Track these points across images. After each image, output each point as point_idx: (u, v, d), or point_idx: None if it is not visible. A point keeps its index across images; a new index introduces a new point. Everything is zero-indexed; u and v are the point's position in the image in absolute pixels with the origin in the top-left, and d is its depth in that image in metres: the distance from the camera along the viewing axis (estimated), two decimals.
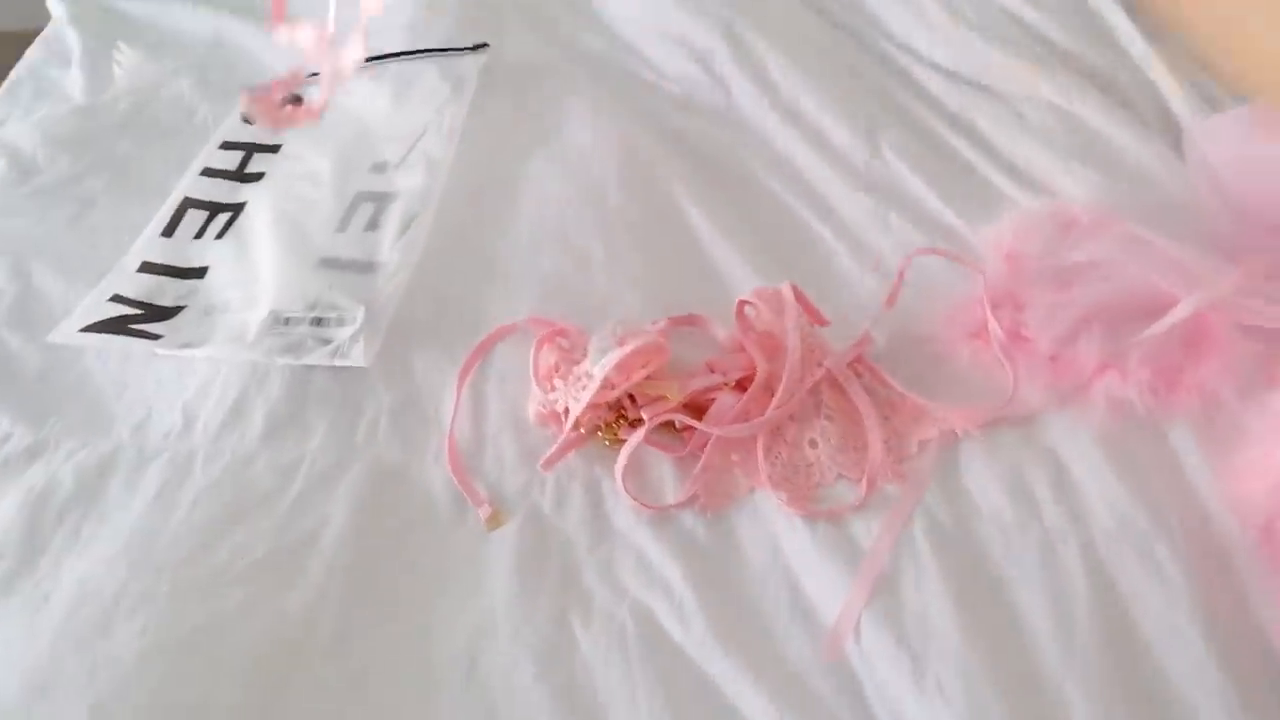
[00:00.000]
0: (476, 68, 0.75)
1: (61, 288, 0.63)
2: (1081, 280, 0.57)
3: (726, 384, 0.55)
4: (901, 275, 0.59)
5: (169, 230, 0.66)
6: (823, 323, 0.58)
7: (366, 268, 0.61)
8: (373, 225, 0.64)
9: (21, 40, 0.84)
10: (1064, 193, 0.65)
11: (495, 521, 0.52)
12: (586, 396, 0.51)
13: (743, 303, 0.57)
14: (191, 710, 0.45)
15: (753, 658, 0.46)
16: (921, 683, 0.45)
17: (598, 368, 0.52)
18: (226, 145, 0.72)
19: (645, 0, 0.83)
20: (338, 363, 0.56)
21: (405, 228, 0.64)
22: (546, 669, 0.47)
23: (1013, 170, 0.69)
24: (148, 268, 0.64)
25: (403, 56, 0.76)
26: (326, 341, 0.56)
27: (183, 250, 0.65)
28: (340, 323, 0.57)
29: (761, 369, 0.54)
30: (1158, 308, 0.55)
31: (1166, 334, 0.54)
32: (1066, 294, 0.57)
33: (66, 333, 0.59)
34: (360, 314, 0.57)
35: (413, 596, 0.50)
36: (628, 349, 0.51)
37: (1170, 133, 0.70)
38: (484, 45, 0.77)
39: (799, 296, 0.57)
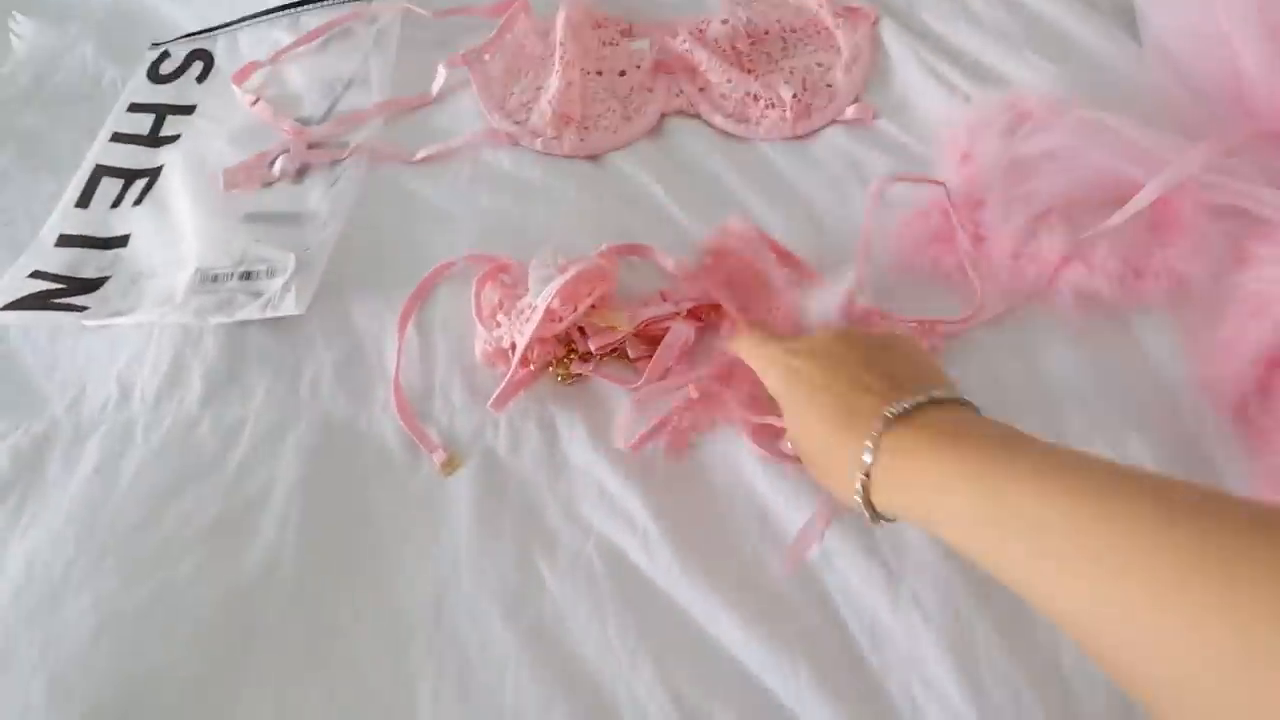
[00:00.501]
0: (398, 14, 0.71)
1: None
2: (1040, 173, 0.55)
3: (679, 313, 0.54)
4: (875, 200, 0.57)
5: (83, 200, 0.63)
6: (808, 275, 0.56)
7: (294, 219, 0.59)
8: (298, 178, 0.62)
9: None
10: (1020, 83, 0.63)
11: (451, 466, 0.51)
12: (530, 329, 0.50)
13: (712, 249, 0.54)
14: (150, 678, 0.44)
15: (721, 582, 0.46)
16: (896, 595, 0.44)
17: (540, 298, 0.50)
18: (135, 108, 0.68)
19: None
20: (269, 314, 0.53)
21: (335, 180, 0.61)
22: (515, 610, 0.46)
23: (964, 64, 0.66)
24: (66, 240, 0.61)
25: (316, 4, 0.72)
26: (257, 295, 0.54)
27: (102, 219, 0.62)
28: (270, 274, 0.55)
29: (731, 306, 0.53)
30: (1121, 194, 0.54)
31: (1132, 220, 0.53)
32: (1025, 188, 0.55)
33: None
34: (291, 262, 0.55)
35: (372, 548, 0.49)
36: (569, 274, 0.50)
37: (1123, 14, 0.68)
38: None
39: (772, 245, 0.54)
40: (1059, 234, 0.54)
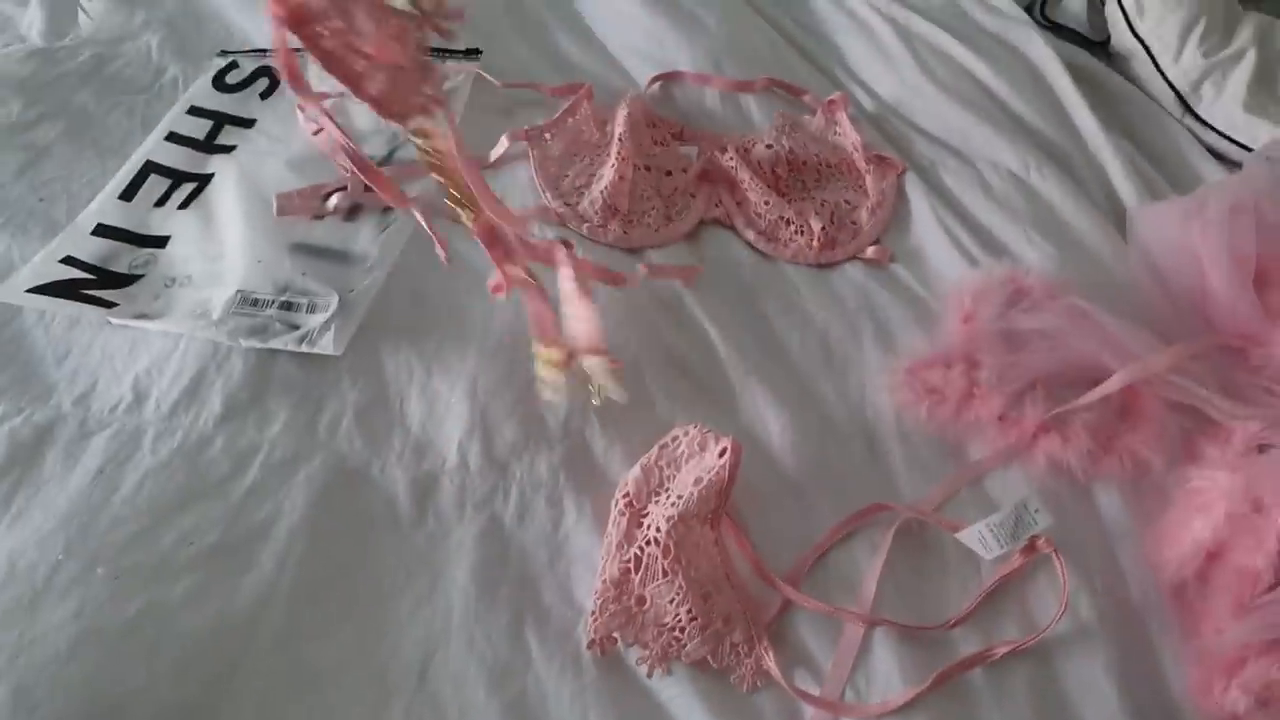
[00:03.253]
0: (470, 76, 0.74)
1: (4, 240, 0.59)
2: (1030, 346, 0.61)
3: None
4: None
5: (128, 194, 0.63)
6: None
7: (342, 258, 0.60)
8: (351, 216, 0.63)
9: None
10: (1021, 257, 0.69)
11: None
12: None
13: None
14: (125, 701, 0.43)
15: (700, 684, 0.48)
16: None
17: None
18: (195, 111, 0.69)
19: (634, 23, 0.84)
20: (305, 349, 0.54)
21: (385, 225, 0.62)
22: (499, 682, 0.47)
23: (975, 228, 0.72)
24: (103, 230, 0.60)
25: None
26: (295, 327, 0.55)
27: (142, 216, 0.62)
28: (312, 309, 0.56)
29: None
30: (1098, 378, 0.60)
31: (1104, 403, 0.59)
32: (1016, 357, 0.60)
33: (11, 291, 0.56)
34: (334, 302, 0.56)
35: (366, 597, 0.49)
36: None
37: (1116, 214, 0.75)
38: (477, 51, 0.76)
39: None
40: (1041, 405, 0.59)
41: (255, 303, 0.56)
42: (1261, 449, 0.58)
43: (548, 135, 0.72)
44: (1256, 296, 0.66)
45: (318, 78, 0.47)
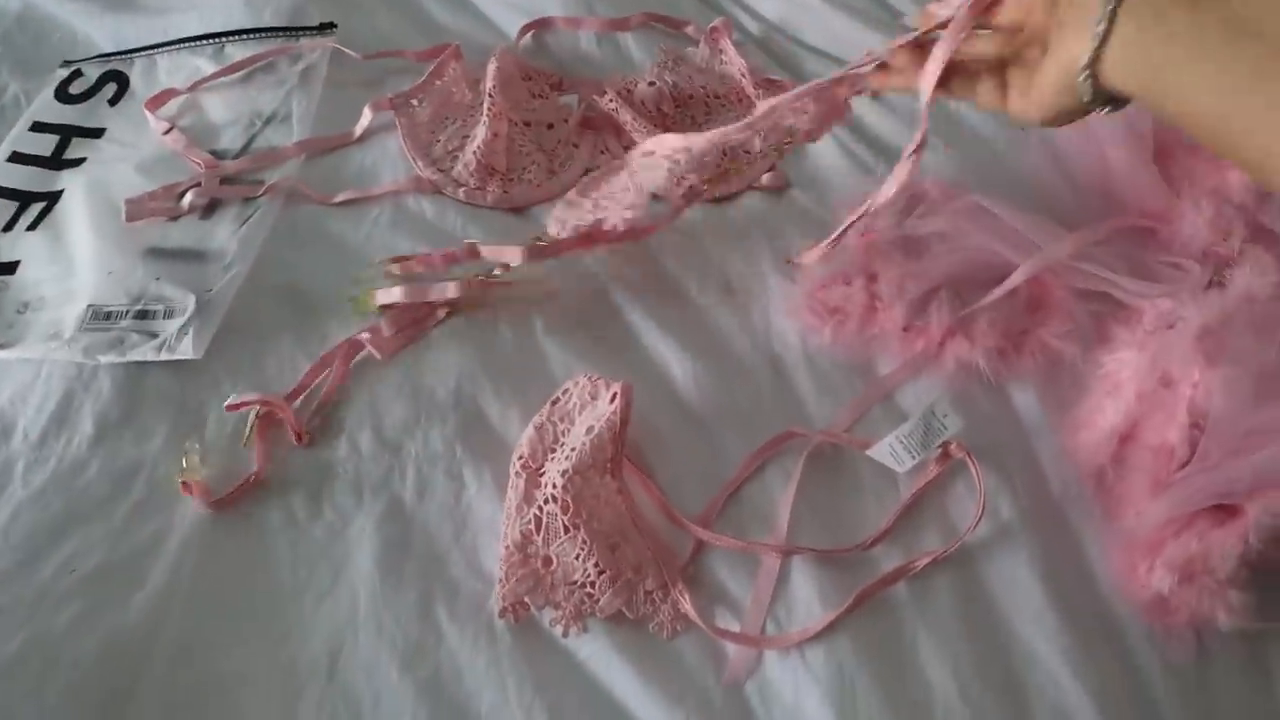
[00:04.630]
0: (325, 52, 0.71)
1: None
2: (931, 251, 0.60)
3: None
4: None
5: None
6: None
7: (198, 257, 0.57)
8: (207, 213, 0.60)
9: None
10: (924, 167, 0.67)
11: None
12: None
13: None
14: None
15: (618, 637, 0.47)
16: (785, 652, 0.46)
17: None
18: (38, 127, 0.66)
19: None
20: (164, 357, 0.52)
21: (245, 218, 0.60)
22: (411, 663, 0.46)
23: (871, 141, 0.70)
24: None
25: (243, 36, 0.71)
26: (152, 335, 0.53)
27: None
28: (168, 315, 0.53)
29: None
30: (1002, 274, 0.58)
31: (1011, 298, 0.57)
32: (917, 264, 0.59)
33: None
34: (190, 304, 0.54)
35: (267, 598, 0.48)
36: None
37: None
38: (331, 25, 0.73)
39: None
40: (945, 310, 0.58)
41: (108, 315, 0.53)
42: (1172, 326, 0.57)
43: (415, 101, 0.69)
44: (1157, 170, 0.64)
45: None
